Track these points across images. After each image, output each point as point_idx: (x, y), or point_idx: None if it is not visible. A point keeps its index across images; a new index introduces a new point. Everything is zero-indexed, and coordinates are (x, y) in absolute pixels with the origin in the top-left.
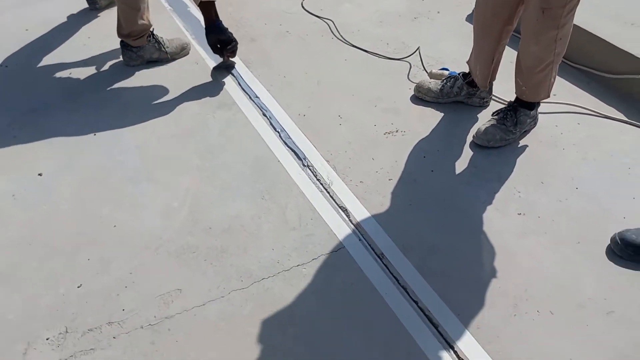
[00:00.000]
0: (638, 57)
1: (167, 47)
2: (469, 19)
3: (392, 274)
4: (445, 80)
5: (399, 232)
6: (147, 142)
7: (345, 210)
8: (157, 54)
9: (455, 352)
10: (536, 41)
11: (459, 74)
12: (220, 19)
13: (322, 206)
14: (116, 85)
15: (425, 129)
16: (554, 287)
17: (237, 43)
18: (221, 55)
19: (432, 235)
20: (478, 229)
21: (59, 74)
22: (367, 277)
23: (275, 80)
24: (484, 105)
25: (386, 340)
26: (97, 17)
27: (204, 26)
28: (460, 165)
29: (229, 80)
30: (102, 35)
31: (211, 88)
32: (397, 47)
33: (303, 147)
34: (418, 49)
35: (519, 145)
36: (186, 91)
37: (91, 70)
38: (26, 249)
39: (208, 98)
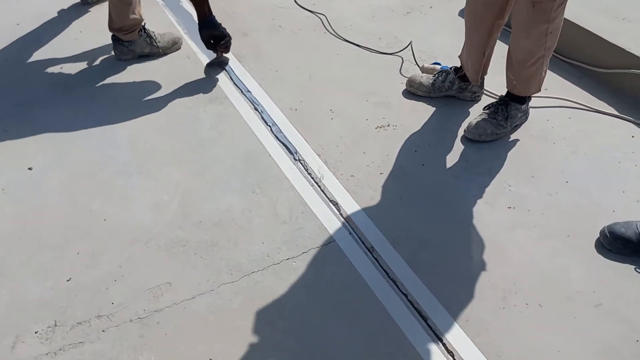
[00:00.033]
0: (629, 52)
1: (159, 42)
2: (462, 13)
3: (382, 267)
4: (437, 75)
5: (389, 225)
6: (138, 136)
7: (335, 204)
8: (149, 49)
9: (444, 345)
10: (527, 35)
11: (450, 68)
12: (213, 13)
13: (313, 200)
14: (107, 80)
15: (416, 123)
16: (543, 280)
17: (230, 38)
18: (215, 50)
19: (422, 229)
20: (468, 222)
21: (50, 68)
22: (357, 271)
23: (267, 74)
24: (475, 99)
25: (375, 333)
26: (88, 11)
27: (196, 21)
28: (451, 159)
29: (220, 75)
30: (93, 29)
31: (203, 82)
32: (390, 42)
33: (294, 141)
34: (410, 43)
35: (510, 140)
36: (178, 85)
37: (82, 64)
38: (16, 243)
39: (200, 92)
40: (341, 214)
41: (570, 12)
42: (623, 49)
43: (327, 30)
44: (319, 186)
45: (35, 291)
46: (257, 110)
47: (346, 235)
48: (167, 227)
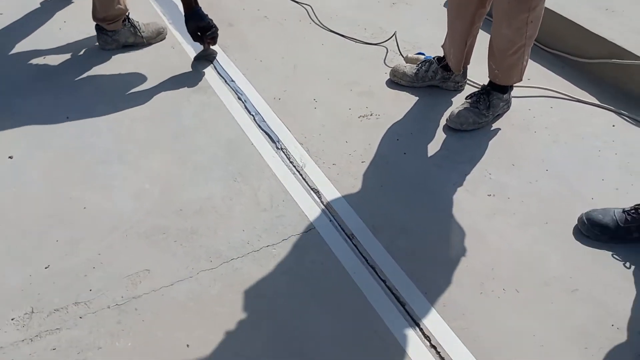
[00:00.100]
0: (611, 42)
1: (143, 32)
2: (447, 4)
3: (361, 254)
4: (420, 65)
5: (369, 213)
6: (120, 124)
7: (317, 192)
8: (133, 39)
9: (420, 330)
10: (508, 24)
11: (433, 58)
12: (199, 4)
13: (294, 188)
14: (91, 69)
15: (399, 113)
16: (520, 266)
17: (217, 29)
18: (202, 42)
19: (402, 216)
20: (448, 209)
21: (33, 58)
22: (337, 257)
23: (251, 64)
24: (458, 89)
25: (353, 319)
26: (72, 2)
27: (181, 11)
28: (433, 148)
29: (205, 64)
30: (77, 19)
31: (186, 72)
32: (375, 32)
33: (277, 130)
34: (395, 33)
35: (492, 129)
36: (161, 75)
37: (66, 54)
38: None
39: (183, 82)
40: (322, 202)
41: (554, 3)
42: (605, 39)
43: (313, 20)
44: (301, 174)
45: (13, 278)
46: (241, 100)
47: (326, 222)
48: (148, 215)
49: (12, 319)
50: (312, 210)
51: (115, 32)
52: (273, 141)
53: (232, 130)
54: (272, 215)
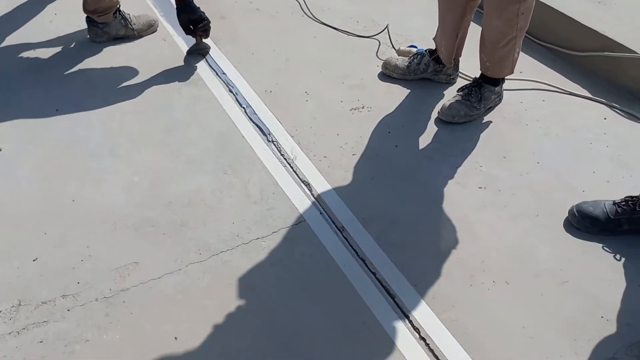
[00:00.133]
0: (603, 34)
1: (134, 24)
2: None
3: (351, 246)
4: (412, 57)
5: (360, 205)
6: (111, 117)
7: (307, 184)
8: (124, 31)
9: (410, 322)
10: (498, 15)
11: (425, 50)
12: None
13: (285, 181)
14: (81, 62)
15: (391, 105)
16: (510, 259)
17: (209, 22)
18: (194, 35)
19: (392, 209)
20: (439, 202)
21: (23, 51)
22: (327, 250)
23: (243, 57)
24: (450, 82)
25: (343, 311)
26: None
27: (173, 3)
28: (424, 140)
29: (197, 59)
30: (68, 11)
31: (178, 65)
32: (367, 25)
33: (268, 122)
34: (387, 26)
35: (484, 121)
36: (152, 68)
37: (56, 46)
38: None
39: (174, 75)
40: (312, 194)
41: None
42: (597, 32)
43: (305, 13)
44: (291, 167)
45: (0, 271)
46: (232, 92)
47: (317, 215)
48: (137, 207)
49: None
50: (302, 203)
51: (106, 24)
52: (264, 134)
53: (223, 123)
54: (262, 208)
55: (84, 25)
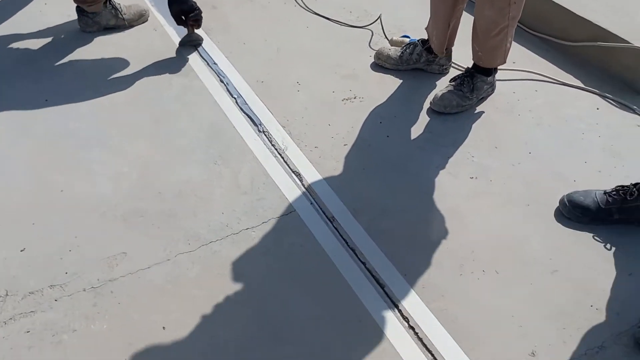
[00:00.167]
0: (596, 24)
1: (125, 14)
2: None
3: (341, 236)
4: (404, 47)
5: (350, 195)
6: (101, 108)
7: (298, 174)
8: (114, 21)
9: (399, 311)
10: (490, 5)
11: (418, 40)
12: None
13: (275, 171)
14: (71, 52)
15: (383, 96)
16: (501, 248)
17: (200, 12)
18: (185, 26)
19: (383, 199)
20: (430, 192)
21: (13, 41)
22: (317, 240)
23: (234, 47)
24: (443, 72)
25: (332, 301)
26: None
27: None
28: (416, 130)
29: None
30: (58, 1)
31: (169, 55)
32: (360, 15)
33: (259, 113)
34: (380, 16)
35: (476, 112)
36: (143, 58)
37: (47, 37)
38: None
39: (165, 65)
40: (303, 185)
41: None
42: (590, 22)
43: (297, 3)
44: (282, 157)
45: None
46: (223, 83)
47: (307, 205)
48: (126, 198)
49: None
50: (292, 193)
51: (96, 14)
52: (255, 124)
53: (214, 114)
54: (252, 198)
55: (74, 15)
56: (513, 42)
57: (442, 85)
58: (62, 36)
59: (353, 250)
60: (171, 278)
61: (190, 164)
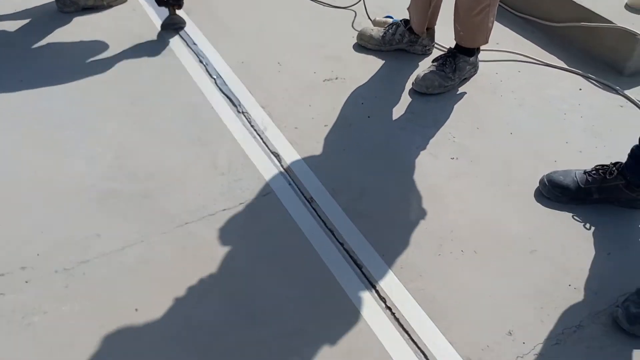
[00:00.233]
0: (580, 5)
1: None
2: None
3: (319, 217)
4: (387, 28)
5: (329, 176)
6: (77, 89)
7: (277, 155)
8: (92, 1)
9: (377, 291)
10: None
11: (401, 21)
12: None
13: (254, 152)
14: (49, 33)
15: (365, 76)
16: (480, 228)
17: None
18: (166, 6)
19: (363, 179)
20: (410, 172)
21: None
22: (294, 220)
23: (215, 27)
24: (426, 53)
25: (309, 282)
26: None
27: None
28: (398, 111)
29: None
30: None
31: (147, 36)
32: None
33: (239, 93)
34: None
35: (458, 92)
36: (121, 38)
37: (24, 17)
38: None
39: (144, 45)
40: (282, 166)
41: None
42: (574, 2)
43: None
44: (261, 138)
45: None
46: (202, 63)
47: (285, 186)
48: (100, 179)
49: None
50: (271, 174)
51: None
52: (234, 104)
53: (192, 94)
54: (229, 179)
55: None
56: (497, 24)
57: (425, 65)
58: (40, 16)
59: (331, 231)
60: (145, 260)
61: (166, 144)
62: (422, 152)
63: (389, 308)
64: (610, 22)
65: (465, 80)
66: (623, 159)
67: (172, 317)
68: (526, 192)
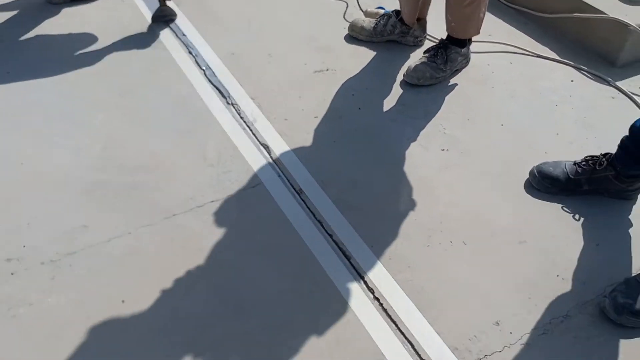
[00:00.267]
0: None
1: None
2: None
3: (309, 208)
4: (379, 19)
5: (319, 168)
6: (65, 80)
7: (266, 147)
8: None
9: (365, 282)
10: None
11: (392, 11)
12: None
13: (244, 144)
14: (37, 24)
15: (356, 68)
16: (469, 219)
17: None
18: None
19: (352, 171)
20: (400, 164)
21: None
22: (283, 212)
23: (206, 18)
24: (418, 44)
25: (298, 273)
26: None
27: None
28: (389, 103)
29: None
30: None
31: (137, 27)
32: None
33: (229, 85)
34: None
35: (450, 84)
36: (110, 30)
37: (13, 9)
38: None
39: (133, 37)
40: (271, 157)
41: None
42: None
43: None
44: (251, 130)
45: None
46: (192, 54)
47: (275, 177)
48: (88, 170)
49: None
50: (260, 166)
51: None
52: (223, 96)
53: (181, 86)
54: (218, 171)
55: None
56: (489, 15)
57: (416, 57)
58: (28, 8)
59: (320, 222)
60: (132, 251)
61: (155, 136)
62: (412, 144)
63: (377, 299)
64: (603, 13)
65: (457, 71)
66: (614, 150)
67: (160, 309)
68: (516, 184)
